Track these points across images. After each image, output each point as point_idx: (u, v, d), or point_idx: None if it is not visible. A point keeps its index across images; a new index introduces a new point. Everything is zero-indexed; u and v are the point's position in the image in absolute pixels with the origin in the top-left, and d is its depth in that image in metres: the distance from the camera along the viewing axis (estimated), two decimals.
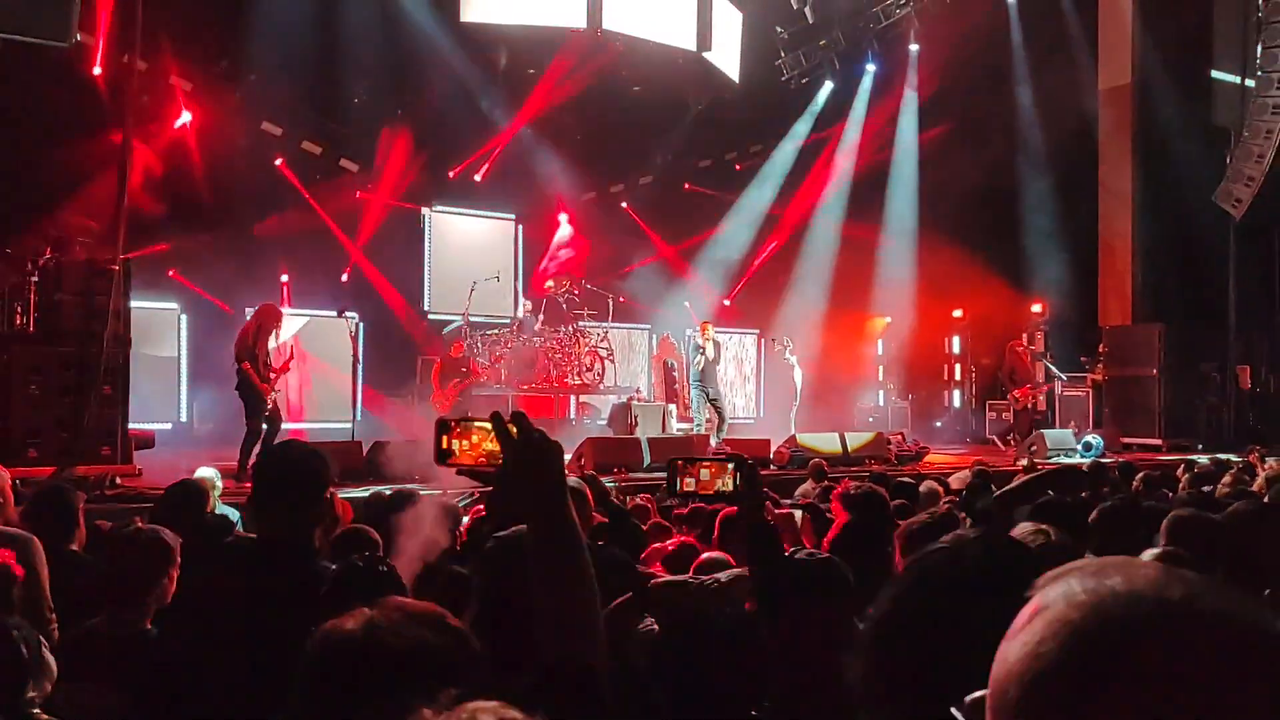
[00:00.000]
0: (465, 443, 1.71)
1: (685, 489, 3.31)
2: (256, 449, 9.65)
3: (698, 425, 14.05)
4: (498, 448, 1.64)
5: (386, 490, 6.40)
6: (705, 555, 3.95)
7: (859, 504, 4.53)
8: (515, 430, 1.63)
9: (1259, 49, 16.08)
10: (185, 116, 14.43)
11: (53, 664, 2.55)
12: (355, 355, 11.85)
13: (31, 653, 2.48)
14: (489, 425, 1.67)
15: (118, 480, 8.85)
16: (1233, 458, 11.82)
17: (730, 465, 3.21)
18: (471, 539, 4.51)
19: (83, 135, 11.60)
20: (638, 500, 6.91)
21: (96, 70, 12.72)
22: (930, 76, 18.34)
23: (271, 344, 10.25)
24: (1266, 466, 9.16)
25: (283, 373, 10.28)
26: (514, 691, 1.64)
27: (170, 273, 13.95)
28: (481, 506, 5.57)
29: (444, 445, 1.71)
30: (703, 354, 13.96)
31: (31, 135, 12.17)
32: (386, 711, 1.15)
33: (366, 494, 5.90)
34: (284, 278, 14.58)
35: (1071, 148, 17.41)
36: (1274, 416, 17.45)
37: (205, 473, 6.56)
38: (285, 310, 10.76)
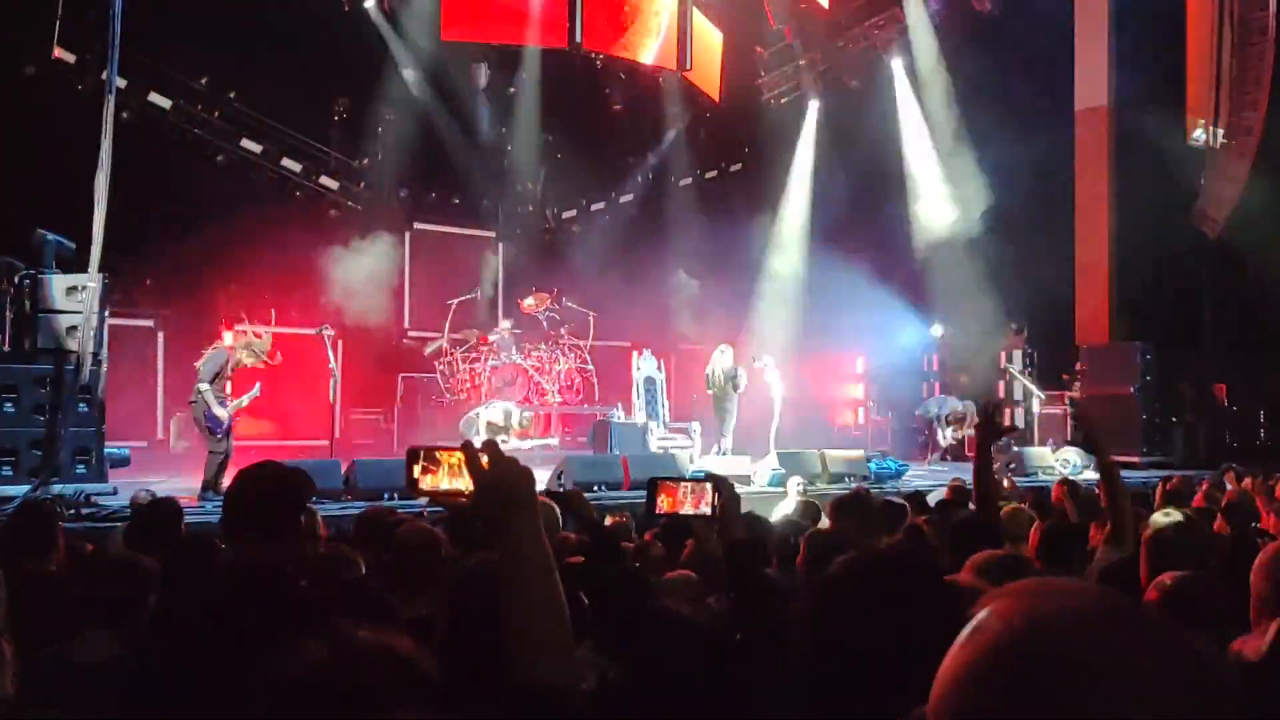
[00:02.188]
0: (435, 471, 1.70)
1: (663, 509, 3.30)
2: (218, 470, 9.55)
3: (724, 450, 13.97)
4: (468, 475, 1.64)
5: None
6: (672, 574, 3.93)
7: (844, 508, 4.58)
8: (485, 458, 1.63)
9: (1234, 70, 16.27)
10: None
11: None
12: (333, 373, 11.80)
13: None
14: (459, 453, 1.66)
15: (93, 499, 8.77)
16: (1206, 474, 11.88)
17: (708, 485, 3.21)
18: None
19: (61, 151, 11.53)
20: (617, 517, 6.89)
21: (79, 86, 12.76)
22: (910, 95, 18.46)
23: (240, 361, 10.08)
24: (1242, 484, 9.20)
25: (244, 394, 10.05)
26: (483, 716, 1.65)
27: (146, 281, 13.89)
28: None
29: (413, 474, 1.70)
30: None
31: (9, 150, 12.11)
32: None
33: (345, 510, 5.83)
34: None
35: (1049, 167, 17.54)
36: (1250, 434, 17.60)
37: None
38: (265, 330, 10.58)
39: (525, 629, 1.57)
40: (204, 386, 9.51)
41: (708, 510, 3.19)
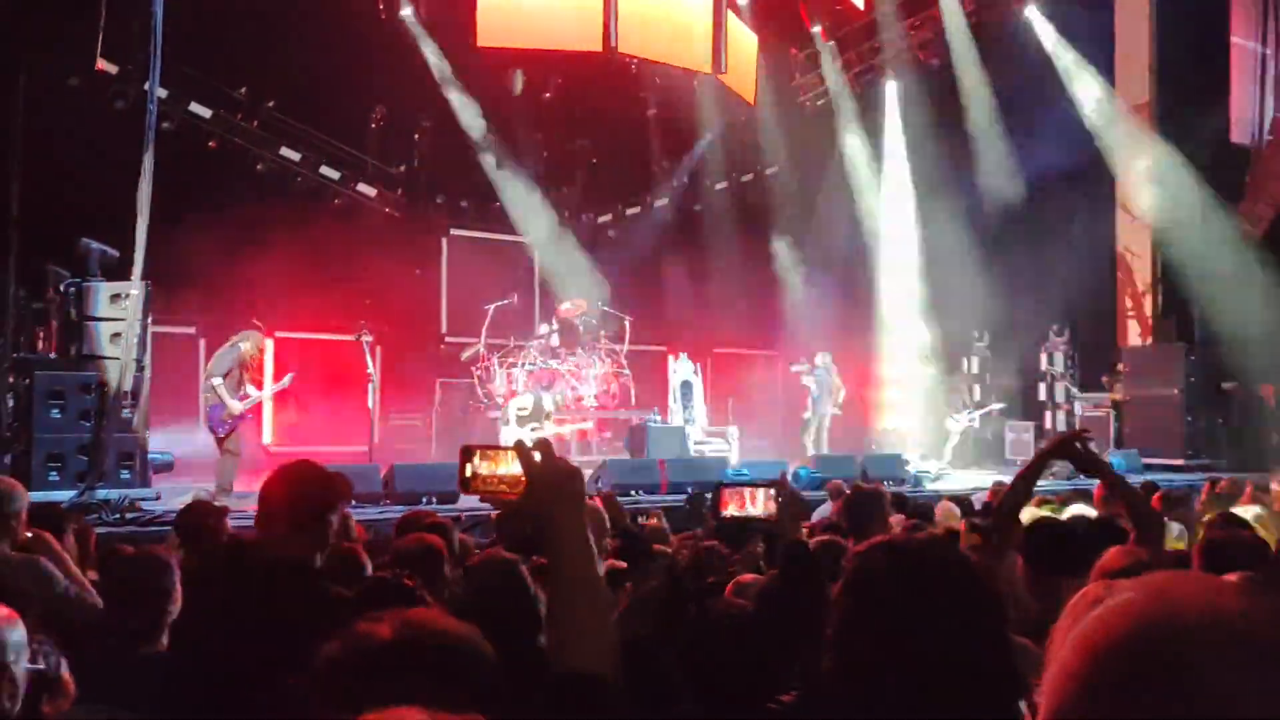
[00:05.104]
0: (488, 469, 1.75)
1: (728, 512, 3.40)
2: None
3: None
4: (519, 473, 1.69)
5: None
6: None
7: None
8: (539, 456, 1.69)
9: (1275, 67, 16.02)
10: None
11: (70, 685, 2.57)
12: (371, 377, 11.87)
13: (51, 669, 2.50)
14: (512, 451, 1.71)
15: (137, 504, 8.89)
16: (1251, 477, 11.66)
17: (770, 489, 3.31)
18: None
19: (105, 161, 11.71)
20: (653, 521, 6.89)
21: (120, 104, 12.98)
22: (948, 94, 18.31)
23: (251, 353, 10.16)
24: None
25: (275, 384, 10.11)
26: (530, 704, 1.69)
27: (188, 288, 14.04)
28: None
29: (467, 473, 1.75)
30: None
31: (54, 161, 12.30)
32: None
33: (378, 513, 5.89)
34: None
35: (1089, 167, 17.35)
36: None
37: None
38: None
39: (567, 621, 1.64)
40: (217, 381, 9.64)
41: (770, 512, 3.29)
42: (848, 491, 9.13)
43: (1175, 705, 0.69)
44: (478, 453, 1.75)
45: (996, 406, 17.60)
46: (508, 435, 13.03)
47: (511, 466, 1.71)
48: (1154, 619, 0.74)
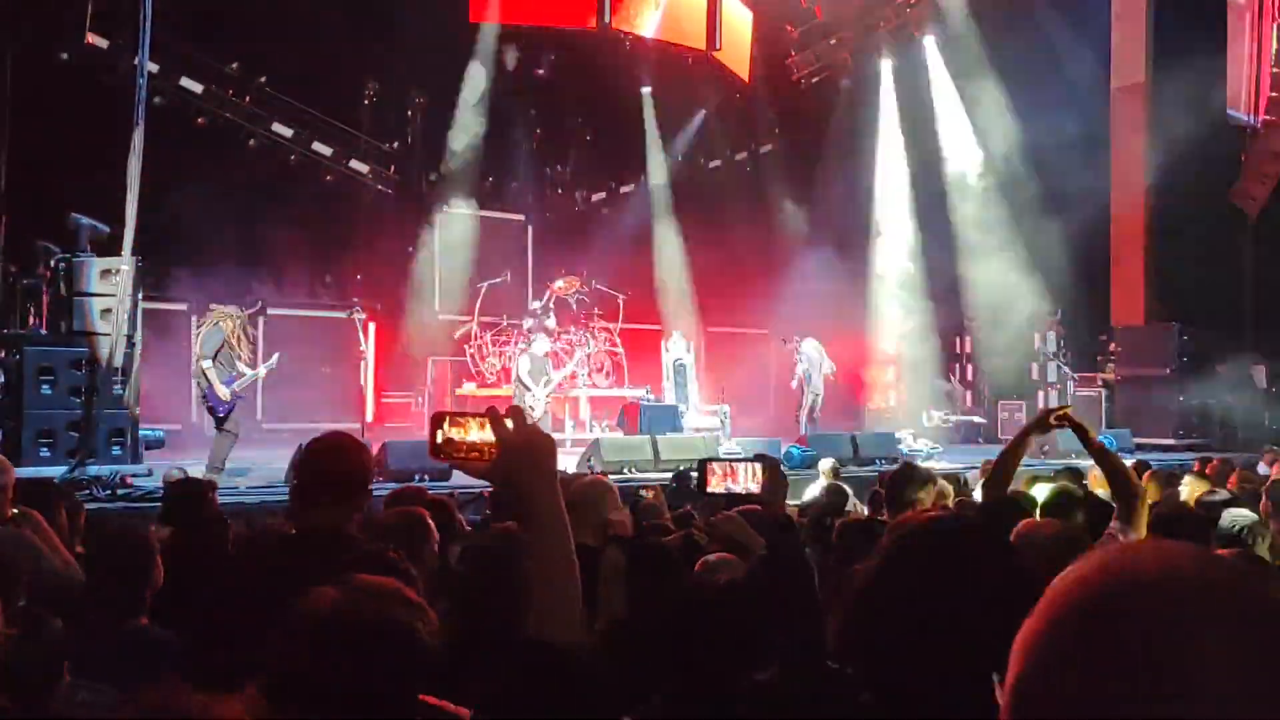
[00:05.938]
0: (460, 436, 1.71)
1: (715, 488, 3.41)
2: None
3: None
4: (492, 441, 1.66)
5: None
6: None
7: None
8: (510, 424, 1.65)
9: (1275, 44, 15.97)
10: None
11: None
12: (364, 354, 11.84)
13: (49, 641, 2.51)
14: (484, 419, 1.68)
15: (128, 480, 8.86)
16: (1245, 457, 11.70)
17: (757, 465, 3.32)
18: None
19: (95, 136, 11.64)
20: (650, 495, 6.89)
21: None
22: (943, 70, 18.24)
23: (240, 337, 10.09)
24: (1276, 468, 9.03)
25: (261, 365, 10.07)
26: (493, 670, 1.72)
27: (179, 265, 14.01)
28: None
29: (438, 439, 1.72)
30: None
31: (44, 136, 12.23)
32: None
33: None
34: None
35: (1084, 145, 17.31)
36: None
37: None
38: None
39: (538, 589, 1.63)
40: (206, 364, 9.50)
41: (755, 488, 3.29)
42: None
43: (1133, 667, 0.69)
44: (448, 419, 1.72)
45: (982, 390, 17.60)
46: (532, 401, 12.92)
47: (483, 433, 1.69)
48: (1111, 583, 0.73)
